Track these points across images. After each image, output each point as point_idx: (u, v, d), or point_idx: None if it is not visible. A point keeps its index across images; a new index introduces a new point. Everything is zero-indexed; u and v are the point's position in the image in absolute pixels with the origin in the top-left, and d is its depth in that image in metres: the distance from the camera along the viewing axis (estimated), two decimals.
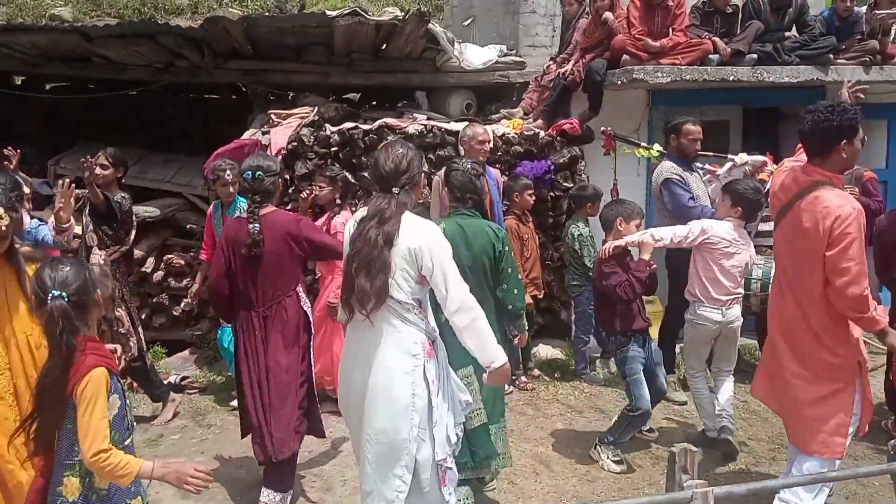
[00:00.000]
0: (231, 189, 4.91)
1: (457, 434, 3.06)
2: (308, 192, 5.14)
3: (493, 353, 2.91)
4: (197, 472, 2.34)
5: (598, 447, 4.51)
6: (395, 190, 2.95)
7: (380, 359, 2.90)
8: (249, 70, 6.66)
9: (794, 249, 3.32)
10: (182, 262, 6.07)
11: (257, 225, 3.68)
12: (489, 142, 5.29)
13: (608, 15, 6.04)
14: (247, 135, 6.06)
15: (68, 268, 2.40)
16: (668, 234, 4.36)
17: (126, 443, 2.45)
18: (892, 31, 6.53)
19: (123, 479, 2.32)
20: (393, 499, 2.88)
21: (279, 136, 5.79)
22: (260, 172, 3.73)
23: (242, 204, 4.90)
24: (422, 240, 2.89)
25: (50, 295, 2.33)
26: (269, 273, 3.72)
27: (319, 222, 5.00)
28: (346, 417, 3.14)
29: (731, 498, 3.38)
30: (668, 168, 5.25)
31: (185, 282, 6.00)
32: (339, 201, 5.15)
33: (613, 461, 4.45)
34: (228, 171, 4.86)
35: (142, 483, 2.49)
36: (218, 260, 3.81)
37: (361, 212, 3.04)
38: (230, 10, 7.34)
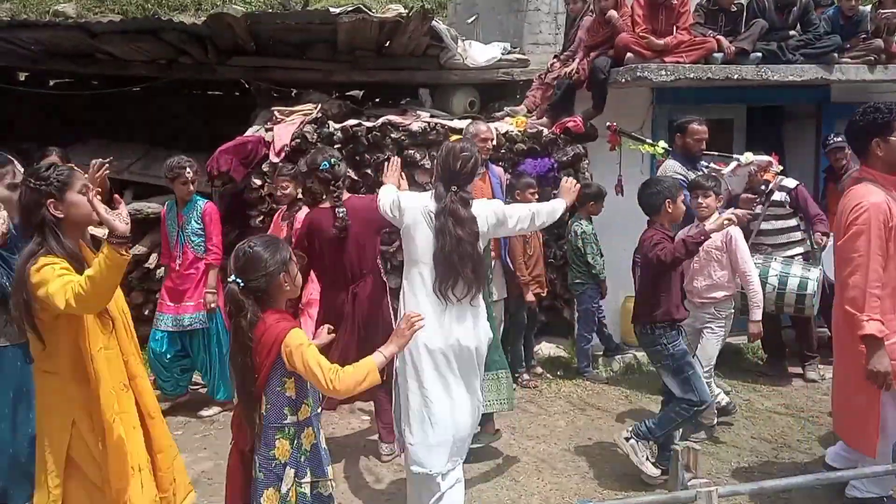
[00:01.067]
0: (191, 187, 4.97)
1: None
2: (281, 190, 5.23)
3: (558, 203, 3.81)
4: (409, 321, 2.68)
5: (633, 441, 4.10)
6: (454, 188, 3.41)
7: (476, 331, 3.46)
8: (253, 67, 6.66)
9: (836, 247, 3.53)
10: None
11: (344, 209, 4.15)
12: (492, 139, 5.28)
13: (612, 13, 6.04)
14: (250, 131, 6.06)
15: (255, 248, 2.55)
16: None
17: (318, 411, 2.69)
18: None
19: (370, 378, 2.52)
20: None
21: (283, 132, 5.78)
22: (334, 160, 4.19)
23: (200, 203, 5.00)
24: (487, 213, 3.49)
25: (229, 278, 2.55)
26: (356, 253, 4.20)
27: (278, 217, 5.16)
28: (430, 385, 3.40)
29: (734, 497, 3.39)
30: (671, 168, 5.24)
31: None
32: (299, 196, 5.26)
33: (653, 464, 4.10)
34: (188, 169, 4.89)
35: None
36: (303, 249, 4.18)
37: (426, 201, 3.47)
38: (234, 6, 7.35)
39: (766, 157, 5.37)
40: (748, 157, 5.37)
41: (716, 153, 5.46)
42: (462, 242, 3.36)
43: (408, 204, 3.50)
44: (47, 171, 2.71)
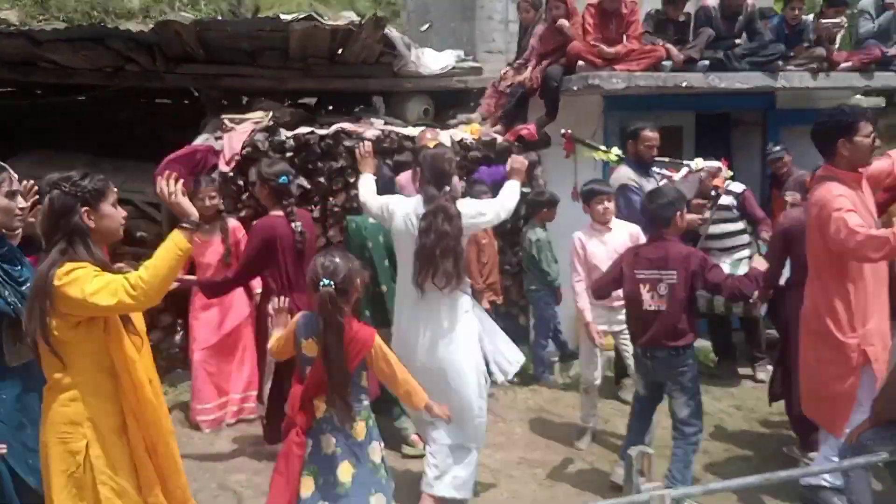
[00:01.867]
0: None
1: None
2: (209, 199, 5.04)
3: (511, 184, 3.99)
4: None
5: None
6: (447, 188, 3.78)
7: (453, 321, 3.80)
8: (202, 74, 6.54)
9: (809, 242, 3.74)
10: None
11: (300, 223, 4.33)
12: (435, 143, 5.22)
13: (563, 22, 6.09)
14: (199, 140, 5.95)
15: (337, 259, 2.96)
16: None
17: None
18: (837, 39, 6.71)
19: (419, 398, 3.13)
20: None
21: (233, 141, 5.69)
22: (291, 176, 4.40)
23: None
24: (467, 210, 3.80)
25: (321, 282, 2.89)
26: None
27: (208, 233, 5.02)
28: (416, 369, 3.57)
29: (688, 499, 3.42)
30: (624, 174, 5.30)
31: None
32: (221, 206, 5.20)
33: None
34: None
35: None
36: (261, 256, 4.25)
37: (411, 206, 3.79)
38: (182, 14, 7.21)
39: (715, 163, 5.47)
40: (698, 163, 5.46)
41: (667, 159, 5.54)
42: (447, 237, 3.67)
43: (396, 209, 3.86)
44: (83, 179, 2.63)
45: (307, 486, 2.93)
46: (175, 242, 2.58)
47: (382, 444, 3.12)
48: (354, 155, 5.74)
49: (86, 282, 2.48)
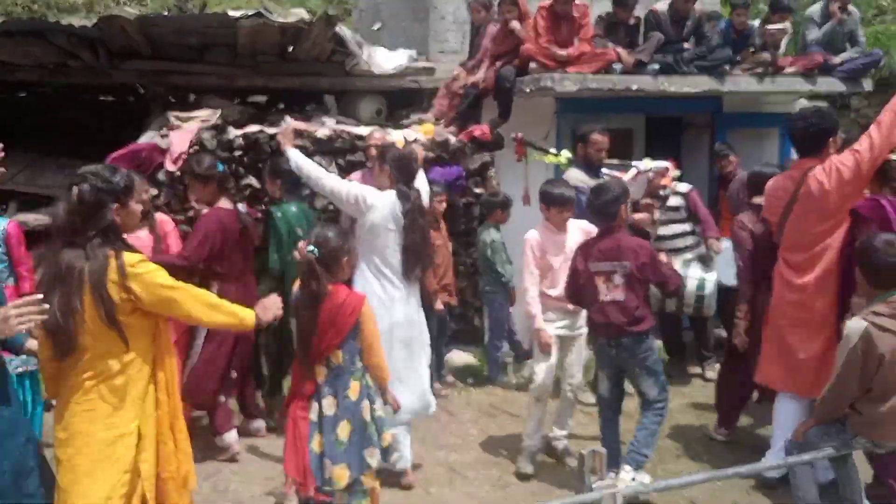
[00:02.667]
0: None
1: None
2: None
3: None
4: None
5: (634, 476, 3.91)
6: (416, 186, 4.17)
7: (419, 304, 4.31)
8: (147, 71, 6.39)
9: (806, 224, 3.89)
10: None
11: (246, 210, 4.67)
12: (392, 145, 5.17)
13: (515, 24, 6.11)
14: (144, 138, 5.80)
15: (330, 234, 3.21)
16: None
17: None
18: (782, 45, 6.88)
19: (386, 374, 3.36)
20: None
21: (179, 139, 5.55)
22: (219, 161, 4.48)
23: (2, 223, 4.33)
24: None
25: (308, 248, 3.12)
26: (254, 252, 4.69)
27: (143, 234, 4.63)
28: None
29: (638, 496, 3.45)
30: (574, 176, 5.33)
31: None
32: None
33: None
34: None
35: None
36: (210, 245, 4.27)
37: (392, 200, 4.08)
38: (127, 8, 7.03)
39: (663, 163, 5.53)
40: (647, 163, 5.52)
41: (616, 161, 5.58)
42: (427, 233, 4.22)
43: (376, 202, 4.07)
44: (113, 174, 2.64)
45: (317, 445, 3.17)
46: None
47: (374, 403, 3.27)
48: (305, 154, 5.75)
49: (159, 271, 2.63)
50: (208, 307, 2.73)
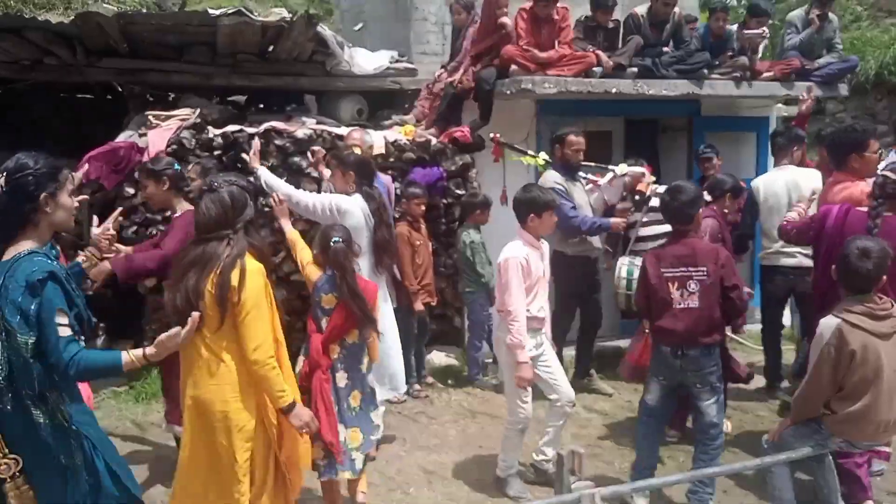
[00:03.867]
0: None
1: None
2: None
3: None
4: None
5: None
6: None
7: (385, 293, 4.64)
8: (125, 69, 6.30)
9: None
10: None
11: None
12: (360, 146, 5.08)
13: (505, 20, 6.06)
14: (122, 137, 5.74)
15: (338, 225, 3.82)
16: None
17: None
18: (760, 49, 6.96)
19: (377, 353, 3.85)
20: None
21: (157, 138, 5.50)
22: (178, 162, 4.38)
23: None
24: None
25: (333, 240, 3.60)
26: None
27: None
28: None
29: (616, 497, 3.47)
30: (551, 178, 5.36)
31: None
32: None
33: None
34: None
35: None
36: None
37: (361, 203, 4.35)
38: (105, 5, 6.96)
39: (639, 169, 5.57)
40: (623, 168, 5.56)
41: (593, 164, 5.61)
42: (392, 226, 4.64)
43: (350, 207, 4.30)
44: (238, 176, 3.09)
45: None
46: None
47: (370, 373, 3.82)
48: (285, 154, 5.74)
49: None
50: (269, 352, 2.84)
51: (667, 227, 5.81)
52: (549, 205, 4.06)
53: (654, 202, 5.76)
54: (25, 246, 2.46)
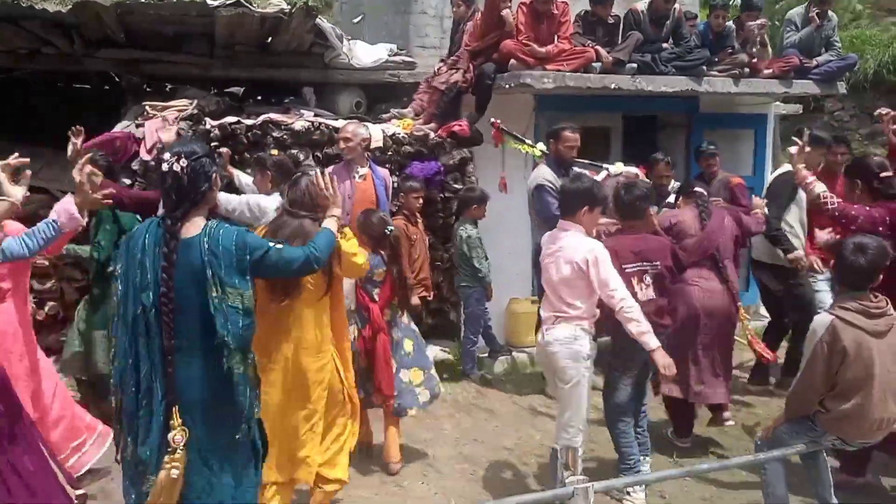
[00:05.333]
0: None
1: None
2: None
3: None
4: None
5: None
6: None
7: None
8: (123, 59, 6.29)
9: None
10: (46, 263, 5.63)
11: None
12: (352, 140, 5.05)
13: (507, 13, 6.02)
14: (119, 127, 5.73)
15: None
16: None
17: None
18: (766, 39, 6.91)
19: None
20: None
21: (155, 129, 5.49)
22: None
23: None
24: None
25: (388, 228, 4.20)
26: None
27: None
28: None
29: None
30: (542, 174, 5.34)
31: (48, 284, 5.59)
32: None
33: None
34: None
35: None
36: None
37: (277, 201, 4.28)
38: None
39: (633, 169, 5.55)
40: (619, 167, 5.54)
41: (587, 161, 5.60)
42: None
43: (270, 206, 4.35)
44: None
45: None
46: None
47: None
48: (283, 146, 5.72)
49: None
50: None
51: None
52: (604, 202, 4.06)
53: (671, 199, 5.79)
54: (202, 219, 2.68)
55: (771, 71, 6.83)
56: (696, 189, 4.99)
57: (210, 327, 2.54)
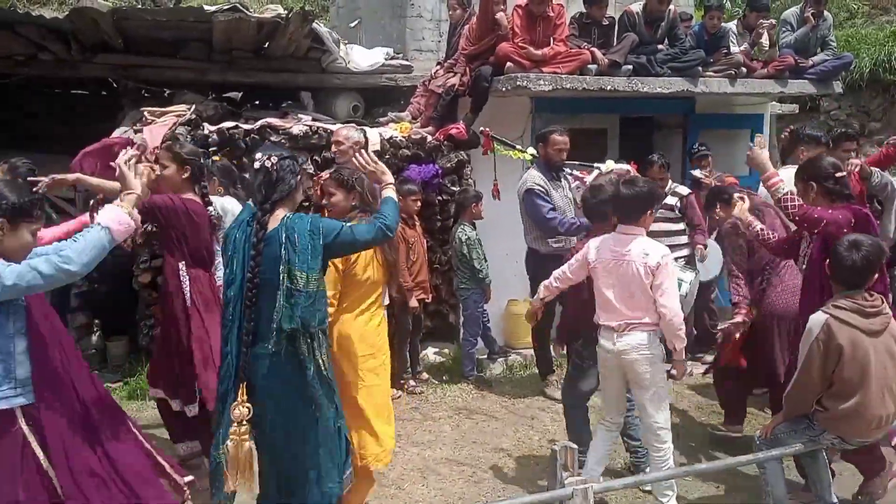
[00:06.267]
0: None
1: None
2: None
3: None
4: None
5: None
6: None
7: None
8: (120, 65, 6.30)
9: None
10: None
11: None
12: (342, 143, 4.86)
13: (501, 16, 6.05)
14: (117, 133, 5.74)
15: None
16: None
17: None
18: (765, 38, 6.91)
19: None
20: None
21: (153, 134, 5.50)
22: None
23: None
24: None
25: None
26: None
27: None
28: None
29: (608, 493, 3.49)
30: (532, 178, 5.35)
31: None
32: None
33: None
34: None
35: None
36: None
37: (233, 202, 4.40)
38: (100, 1, 6.94)
39: (625, 166, 5.57)
40: (609, 164, 5.56)
41: (577, 162, 5.61)
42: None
43: (233, 208, 4.40)
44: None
45: None
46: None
47: None
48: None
49: None
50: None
51: (677, 226, 5.89)
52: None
53: (669, 200, 5.81)
54: (283, 213, 2.95)
55: (766, 70, 6.86)
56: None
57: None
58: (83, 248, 2.54)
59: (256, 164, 2.99)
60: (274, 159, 2.96)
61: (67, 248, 2.53)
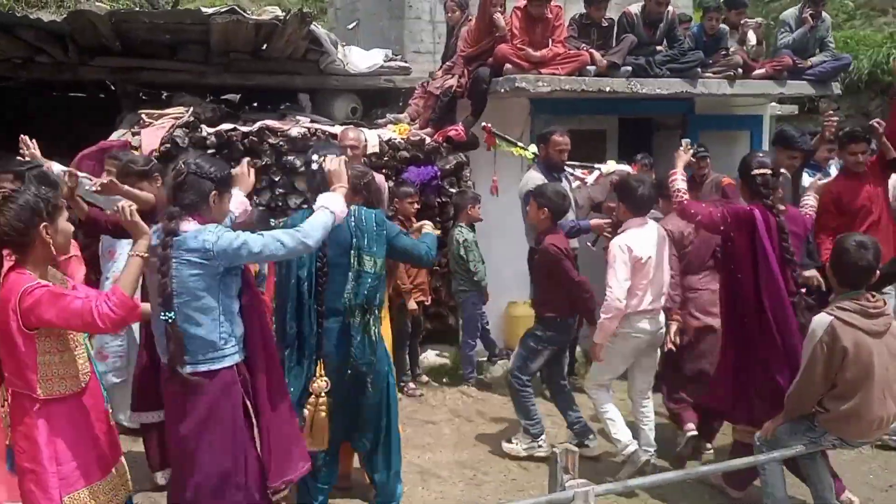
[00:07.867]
0: None
1: None
2: None
3: None
4: None
5: None
6: None
7: None
8: (118, 67, 6.29)
9: None
10: None
11: None
12: (357, 147, 4.77)
13: (498, 17, 6.03)
14: (115, 135, 5.73)
15: None
16: None
17: None
18: (752, 38, 6.93)
19: None
20: None
21: (151, 137, 5.49)
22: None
23: None
24: None
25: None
26: None
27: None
28: None
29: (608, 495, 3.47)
30: (532, 179, 5.33)
31: None
32: None
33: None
34: None
35: None
36: None
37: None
38: (97, 3, 6.94)
39: (626, 168, 5.57)
40: (611, 165, 5.55)
41: (577, 163, 5.60)
42: None
43: None
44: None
45: None
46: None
47: None
48: (279, 152, 5.73)
49: None
50: None
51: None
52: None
53: None
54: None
55: (764, 71, 6.85)
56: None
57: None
58: (316, 226, 2.87)
59: (314, 166, 3.23)
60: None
61: (304, 225, 2.87)
